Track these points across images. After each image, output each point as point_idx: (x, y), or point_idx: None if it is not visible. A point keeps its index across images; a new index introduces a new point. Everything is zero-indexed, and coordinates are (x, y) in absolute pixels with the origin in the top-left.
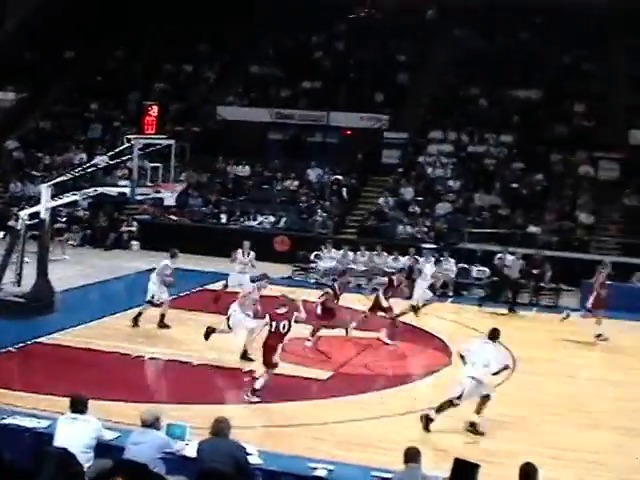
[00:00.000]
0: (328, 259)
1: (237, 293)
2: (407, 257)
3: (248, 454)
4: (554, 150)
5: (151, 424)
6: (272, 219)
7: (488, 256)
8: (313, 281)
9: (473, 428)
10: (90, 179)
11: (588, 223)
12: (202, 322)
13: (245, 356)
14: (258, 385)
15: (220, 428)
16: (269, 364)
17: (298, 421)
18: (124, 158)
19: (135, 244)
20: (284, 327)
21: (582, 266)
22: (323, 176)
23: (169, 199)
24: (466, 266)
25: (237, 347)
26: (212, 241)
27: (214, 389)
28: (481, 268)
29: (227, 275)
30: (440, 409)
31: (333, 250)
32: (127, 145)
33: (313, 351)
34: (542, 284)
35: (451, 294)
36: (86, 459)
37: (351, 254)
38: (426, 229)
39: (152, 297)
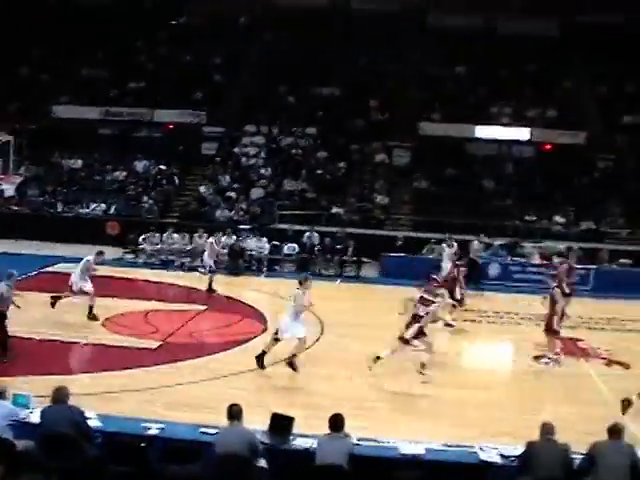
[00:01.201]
0: (153, 242)
1: None
2: (225, 237)
3: (87, 418)
4: (353, 141)
5: None
6: (103, 206)
7: (297, 235)
8: (141, 261)
9: None
10: None
11: (384, 204)
12: (43, 302)
13: (292, 365)
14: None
15: (60, 396)
16: (405, 342)
17: (131, 387)
18: None
19: None
20: (421, 310)
21: (380, 241)
22: (149, 167)
23: (9, 190)
24: (278, 244)
25: (73, 322)
26: (49, 227)
27: (55, 361)
28: (291, 245)
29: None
30: None
31: (158, 233)
32: None
33: (141, 323)
34: (345, 257)
35: (265, 269)
36: None
37: (175, 236)
38: (242, 212)
39: (79, 288)
